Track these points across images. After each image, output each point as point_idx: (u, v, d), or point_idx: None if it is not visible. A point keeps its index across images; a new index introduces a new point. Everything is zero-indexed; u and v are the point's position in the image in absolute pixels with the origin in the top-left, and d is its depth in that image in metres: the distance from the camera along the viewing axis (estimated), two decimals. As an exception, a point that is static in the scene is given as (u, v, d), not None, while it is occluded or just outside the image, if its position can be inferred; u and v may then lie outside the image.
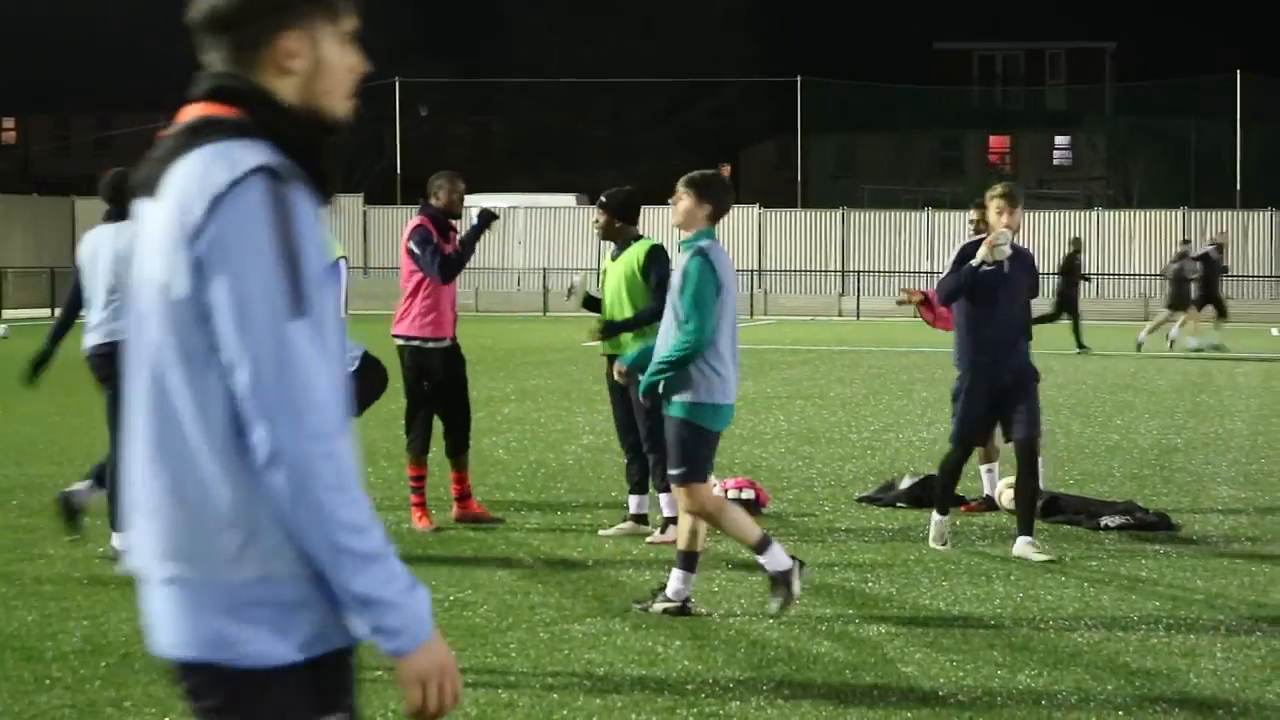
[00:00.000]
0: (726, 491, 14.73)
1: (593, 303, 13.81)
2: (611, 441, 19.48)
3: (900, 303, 15.54)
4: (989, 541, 13.57)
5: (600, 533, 13.72)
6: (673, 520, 13.23)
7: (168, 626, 3.66)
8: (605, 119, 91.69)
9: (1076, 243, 40.20)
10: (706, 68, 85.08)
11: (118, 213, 12.78)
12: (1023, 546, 12.74)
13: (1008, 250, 12.86)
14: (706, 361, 10.48)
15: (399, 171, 72.66)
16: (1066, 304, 37.97)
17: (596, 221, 13.86)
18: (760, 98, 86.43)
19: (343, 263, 9.44)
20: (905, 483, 15.53)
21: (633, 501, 13.76)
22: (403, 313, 14.15)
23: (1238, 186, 66.21)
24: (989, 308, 13.02)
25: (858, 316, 58.80)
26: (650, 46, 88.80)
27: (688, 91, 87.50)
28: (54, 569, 12.13)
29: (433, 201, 14.14)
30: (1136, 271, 59.71)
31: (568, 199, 67.51)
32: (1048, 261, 52.58)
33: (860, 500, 15.57)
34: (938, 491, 13.41)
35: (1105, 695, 8.81)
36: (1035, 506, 13.07)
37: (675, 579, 10.76)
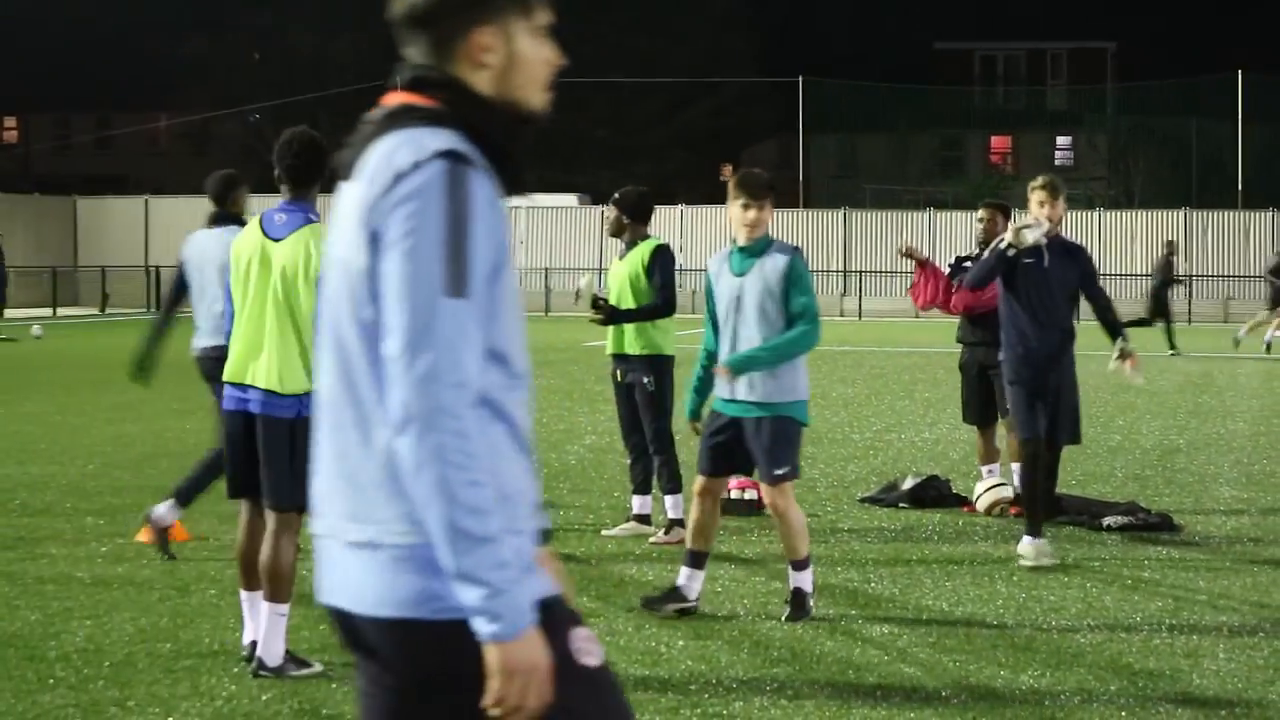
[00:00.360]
0: (730, 492, 14.73)
1: (599, 305, 13.81)
2: (614, 442, 19.48)
3: (902, 253, 15.29)
4: (991, 542, 13.56)
5: (603, 532, 13.73)
6: (678, 522, 13.25)
7: (360, 587, 3.75)
8: (606, 119, 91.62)
9: (1170, 245, 40.27)
10: (707, 67, 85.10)
11: (222, 215, 12.90)
12: (1025, 546, 12.63)
13: (1031, 237, 12.52)
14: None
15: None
16: (1161, 307, 38.06)
17: (608, 218, 13.92)
18: (761, 97, 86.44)
19: None
20: (908, 483, 15.52)
21: (635, 502, 13.76)
22: None
23: (1239, 186, 66.21)
24: (1028, 303, 12.67)
25: (860, 316, 58.83)
26: (651, 46, 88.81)
27: (689, 91, 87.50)
28: (56, 568, 12.13)
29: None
30: (1138, 272, 59.69)
31: (569, 199, 67.51)
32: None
33: (863, 501, 15.57)
34: (1025, 509, 12.81)
35: (1108, 696, 8.81)
36: (1045, 507, 12.87)
37: (688, 577, 10.79)
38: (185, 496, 12.70)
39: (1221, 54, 78.19)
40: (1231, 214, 61.70)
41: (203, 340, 12.76)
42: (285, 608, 9.17)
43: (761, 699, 8.71)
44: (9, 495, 15.62)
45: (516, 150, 3.86)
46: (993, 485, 14.93)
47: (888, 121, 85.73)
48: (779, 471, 10.59)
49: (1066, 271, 12.78)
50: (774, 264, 10.67)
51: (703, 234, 61.40)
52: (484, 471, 3.60)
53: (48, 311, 45.47)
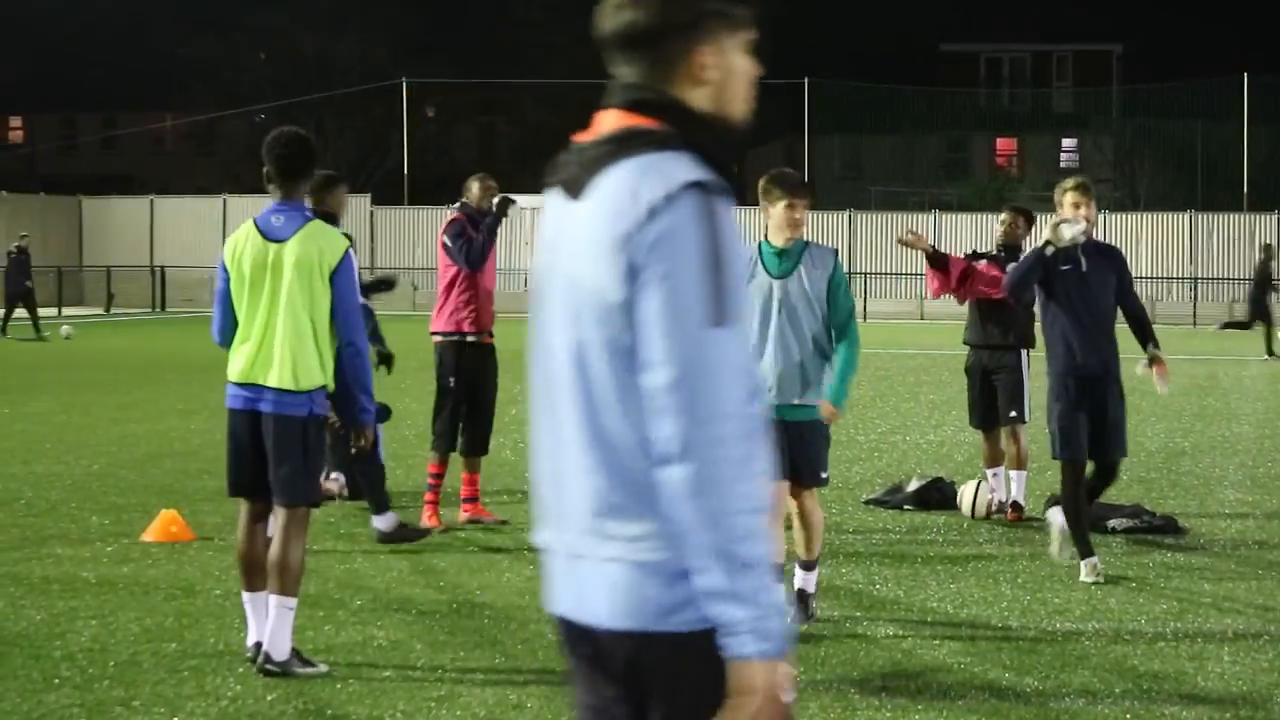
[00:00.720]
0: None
1: None
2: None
3: (902, 241, 14.57)
4: (996, 544, 13.56)
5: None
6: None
7: (593, 600, 3.83)
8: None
9: (1269, 249, 40.31)
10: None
11: (318, 213, 13.01)
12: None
13: (1069, 233, 12.00)
14: None
15: (405, 172, 72.67)
16: (1261, 311, 38.16)
17: None
18: (767, 99, 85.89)
19: (351, 253, 9.48)
20: (913, 485, 15.52)
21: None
22: (439, 309, 14.23)
23: (1245, 189, 66.17)
24: (1071, 310, 12.14)
25: (864, 318, 58.77)
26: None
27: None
28: (62, 568, 12.14)
29: (466, 200, 14.33)
30: (1144, 274, 59.67)
31: (574, 200, 67.50)
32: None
33: (867, 502, 15.56)
34: (1070, 529, 12.31)
35: (1113, 698, 8.81)
36: (1088, 520, 12.39)
37: (806, 580, 10.75)
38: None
39: (1227, 56, 78.09)
40: (1237, 217, 61.68)
41: None
42: (293, 602, 9.21)
43: (766, 700, 8.70)
44: (14, 495, 15.63)
45: (732, 162, 3.92)
46: (976, 486, 14.89)
47: (893, 123, 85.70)
48: (825, 474, 10.64)
49: (1105, 273, 12.26)
50: (820, 266, 10.52)
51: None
52: (754, 498, 3.66)
53: (53, 311, 45.47)
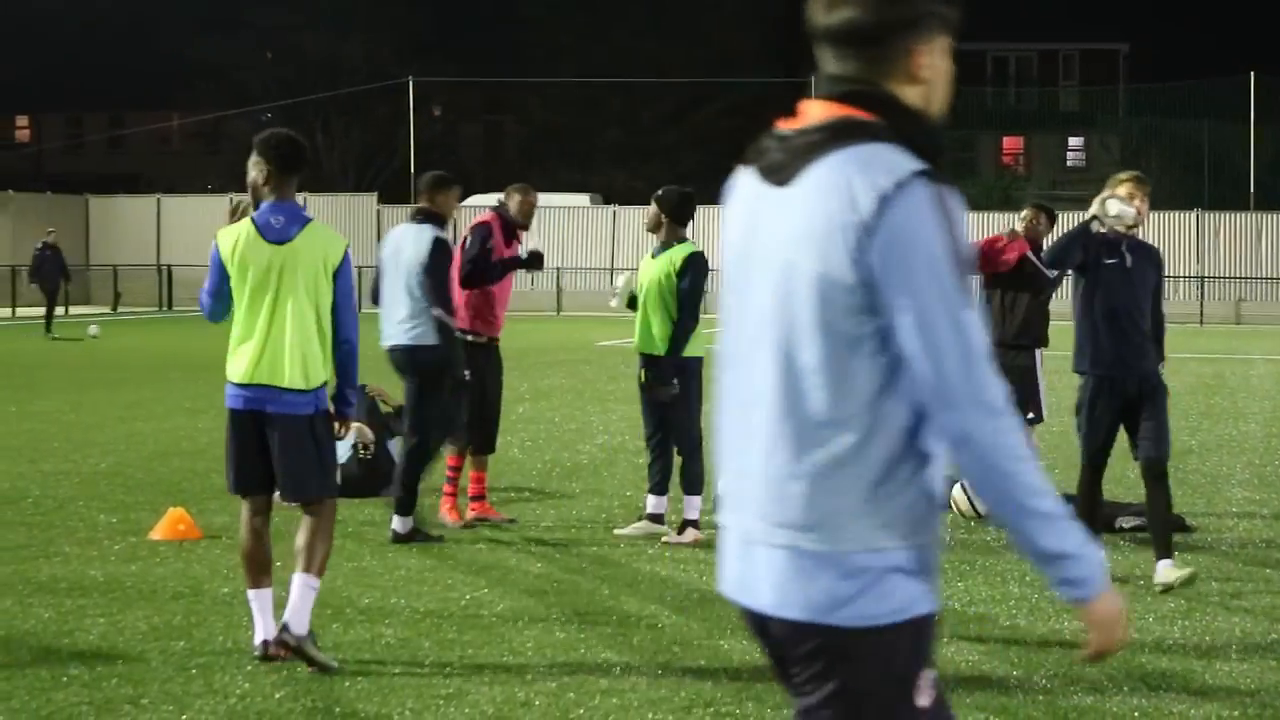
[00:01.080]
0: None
1: (637, 304, 13.78)
2: (626, 441, 19.53)
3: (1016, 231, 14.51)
4: (1003, 543, 13.55)
5: (615, 531, 13.73)
6: (692, 523, 13.27)
7: (775, 588, 3.95)
8: (618, 119, 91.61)
9: None
10: (719, 68, 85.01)
11: (427, 212, 13.49)
12: (1163, 572, 11.64)
13: (1116, 208, 11.55)
14: None
15: (412, 171, 72.63)
16: None
17: (648, 214, 13.85)
18: (774, 98, 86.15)
19: (349, 251, 9.54)
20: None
21: (650, 501, 13.75)
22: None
23: (1251, 188, 66.13)
24: (1108, 308, 11.64)
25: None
26: (663, 46, 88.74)
27: (701, 91, 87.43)
28: (69, 566, 12.15)
29: (504, 204, 14.32)
30: (1150, 273, 59.63)
31: (581, 199, 67.51)
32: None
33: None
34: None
35: (1120, 696, 8.81)
36: (1170, 528, 11.89)
37: None
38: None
39: (1234, 56, 78.05)
40: (1244, 216, 61.60)
41: (387, 336, 13.46)
42: (318, 582, 9.40)
43: (775, 697, 8.71)
44: (22, 493, 15.64)
45: (940, 158, 4.01)
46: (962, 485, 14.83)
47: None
48: None
49: (1148, 272, 11.84)
50: None
51: (715, 233, 61.36)
52: (1030, 459, 3.84)
53: (60, 310, 45.45)
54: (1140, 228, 11.78)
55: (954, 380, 3.78)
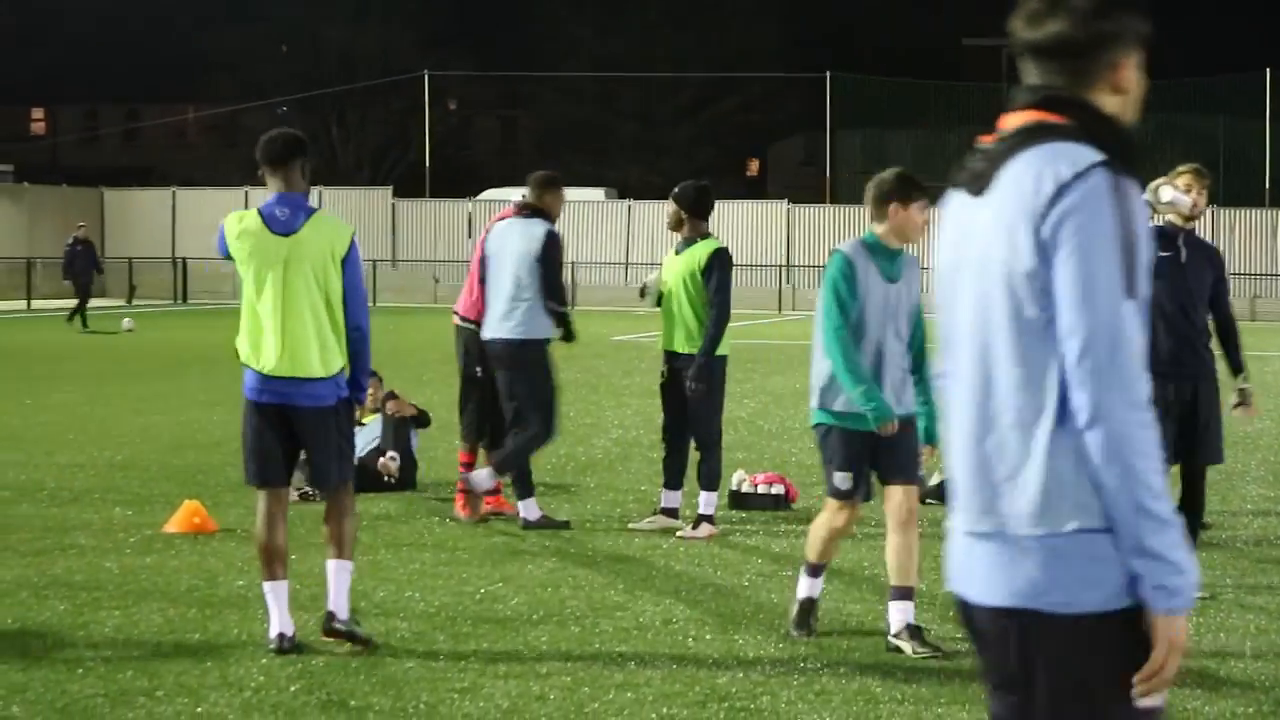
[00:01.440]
0: (757, 486, 14.76)
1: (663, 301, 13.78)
2: (640, 435, 19.53)
3: None
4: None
5: (630, 526, 13.74)
6: (707, 518, 13.28)
7: (981, 576, 4.07)
8: (633, 113, 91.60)
9: None
10: (735, 62, 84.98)
11: (533, 208, 13.71)
12: None
13: (1169, 194, 11.12)
14: None
15: (427, 164, 72.69)
16: None
17: (668, 212, 13.81)
18: (788, 93, 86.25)
19: (356, 239, 9.60)
20: (933, 479, 15.50)
21: (665, 496, 13.76)
22: (468, 293, 14.25)
23: (1267, 185, 66.01)
24: (1158, 304, 10.80)
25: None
26: (678, 40, 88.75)
27: (716, 86, 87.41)
28: (85, 559, 12.16)
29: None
30: (1165, 269, 59.55)
31: (596, 193, 67.51)
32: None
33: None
34: None
35: (1136, 693, 8.79)
36: (1193, 534, 11.51)
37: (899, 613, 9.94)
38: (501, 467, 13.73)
39: (1249, 52, 77.89)
40: (1259, 212, 61.50)
41: (491, 329, 13.68)
42: (351, 564, 9.70)
43: (788, 693, 8.72)
44: (38, 485, 15.66)
45: (1134, 162, 4.09)
46: None
47: (915, 118, 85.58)
48: (922, 474, 10.50)
49: (1203, 269, 11.38)
50: (916, 275, 10.02)
51: (730, 229, 61.28)
52: (1159, 459, 3.89)
53: (75, 302, 45.45)
54: (1198, 222, 11.46)
55: (1100, 362, 3.85)
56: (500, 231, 13.75)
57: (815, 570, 10.17)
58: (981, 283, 4.05)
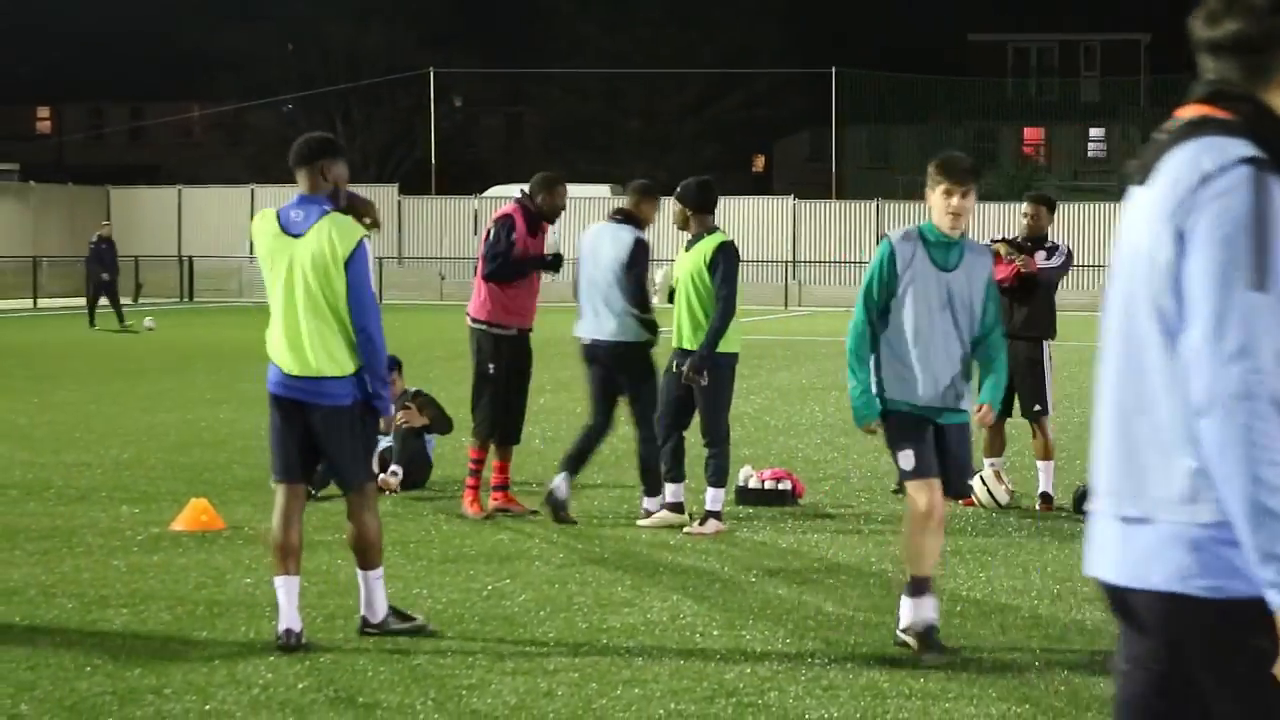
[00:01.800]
0: (764, 482, 14.75)
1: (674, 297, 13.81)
2: (647, 432, 19.48)
3: (1002, 253, 14.46)
4: (1025, 533, 13.55)
5: (638, 523, 13.74)
6: (714, 514, 13.27)
7: (1130, 560, 4.10)
8: (638, 110, 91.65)
9: None
10: (740, 59, 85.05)
11: (625, 214, 13.99)
12: None
13: None
14: None
15: (433, 161, 72.73)
16: None
17: (673, 212, 13.76)
18: (794, 89, 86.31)
19: (366, 242, 9.60)
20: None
21: (669, 490, 13.75)
22: (478, 295, 14.22)
23: (1273, 179, 66.00)
24: None
25: (891, 308, 58.65)
26: (684, 37, 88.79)
27: (721, 82, 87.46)
28: (92, 557, 12.17)
29: (535, 197, 14.23)
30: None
31: (601, 189, 67.48)
32: (1090, 254, 52.55)
33: (896, 492, 15.51)
34: None
35: (1144, 687, 8.78)
36: None
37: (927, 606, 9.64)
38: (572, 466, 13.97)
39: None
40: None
41: (584, 329, 14.07)
42: (381, 570, 9.73)
43: (796, 688, 8.72)
44: (45, 484, 15.67)
45: None
46: (984, 482, 14.73)
47: (921, 113, 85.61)
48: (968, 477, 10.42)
49: None
50: (980, 263, 9.81)
51: (737, 225, 61.30)
52: (1275, 456, 3.83)
53: (81, 301, 45.50)
54: None
55: (1214, 349, 3.86)
56: (592, 236, 14.05)
57: (918, 587, 9.57)
58: (1129, 268, 4.13)
